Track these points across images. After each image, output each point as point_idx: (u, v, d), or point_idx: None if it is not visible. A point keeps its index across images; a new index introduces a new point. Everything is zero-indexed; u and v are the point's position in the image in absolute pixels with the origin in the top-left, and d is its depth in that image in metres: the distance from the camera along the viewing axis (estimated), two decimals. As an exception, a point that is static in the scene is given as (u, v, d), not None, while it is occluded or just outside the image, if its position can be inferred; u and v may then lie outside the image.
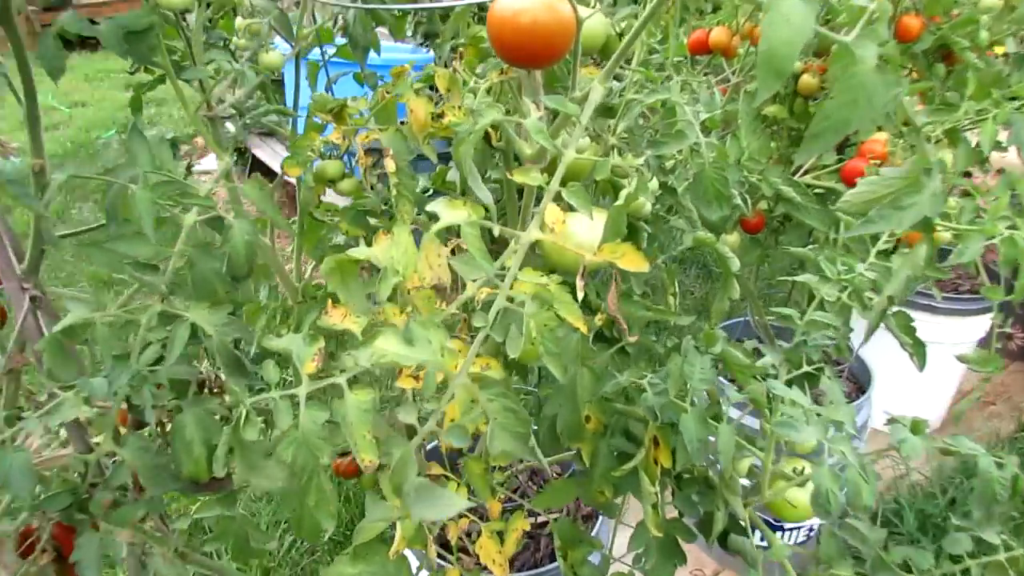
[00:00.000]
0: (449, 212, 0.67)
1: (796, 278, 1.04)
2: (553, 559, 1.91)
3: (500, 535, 1.40)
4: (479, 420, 0.68)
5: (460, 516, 1.41)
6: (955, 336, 2.78)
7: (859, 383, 2.46)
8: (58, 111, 6.69)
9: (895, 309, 1.24)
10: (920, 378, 1.57)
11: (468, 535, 1.41)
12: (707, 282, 3.99)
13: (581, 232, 0.89)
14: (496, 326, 0.66)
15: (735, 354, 1.00)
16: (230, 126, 4.45)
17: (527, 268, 0.69)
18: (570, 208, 0.73)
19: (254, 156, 4.98)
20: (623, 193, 0.81)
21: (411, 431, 0.75)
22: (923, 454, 0.98)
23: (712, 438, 0.99)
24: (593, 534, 1.83)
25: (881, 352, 2.19)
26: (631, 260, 0.66)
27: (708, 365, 0.97)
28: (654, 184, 1.13)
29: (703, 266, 4.10)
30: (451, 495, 0.73)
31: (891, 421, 0.96)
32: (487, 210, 0.69)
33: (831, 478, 0.81)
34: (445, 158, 1.17)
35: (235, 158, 4.40)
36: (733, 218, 1.11)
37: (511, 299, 0.72)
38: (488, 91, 0.86)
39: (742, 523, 1.18)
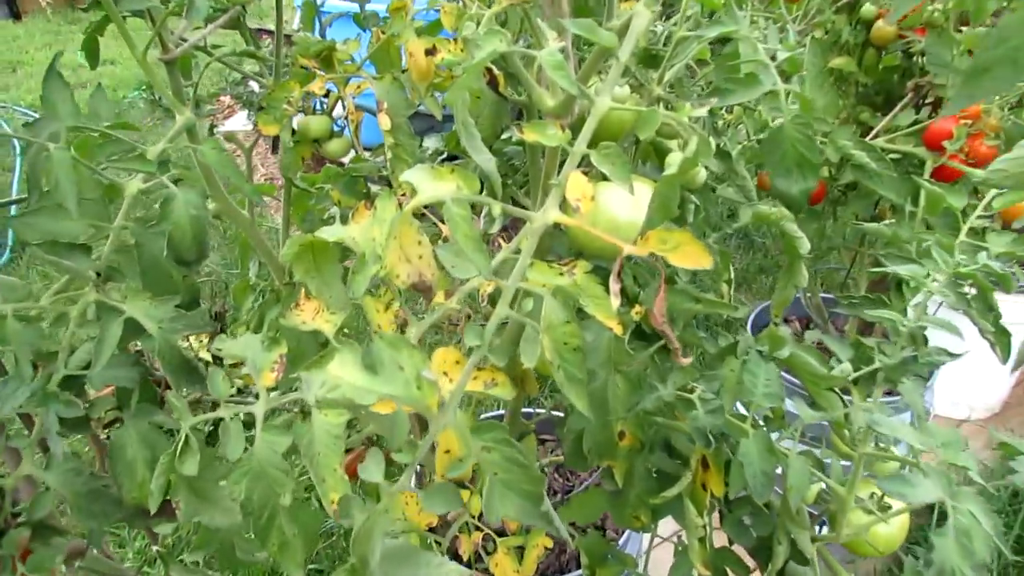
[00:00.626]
0: (431, 184, 0.47)
1: (897, 268, 0.82)
2: (580, 563, 1.74)
3: (519, 549, 1.23)
4: (468, 474, 0.49)
5: (474, 529, 1.24)
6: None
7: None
8: (86, 70, 6.55)
9: (974, 292, 1.03)
10: (981, 358, 1.35)
11: (484, 548, 1.23)
12: (748, 253, 3.74)
13: (618, 208, 0.69)
14: (495, 347, 0.47)
15: (807, 360, 0.79)
16: (253, 85, 4.27)
17: (539, 262, 0.49)
18: (603, 177, 0.53)
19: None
20: (676, 158, 0.60)
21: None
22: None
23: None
24: (622, 543, 1.64)
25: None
26: (688, 254, 0.46)
27: (775, 376, 0.77)
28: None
29: (743, 235, 3.82)
30: (440, 562, 0.54)
31: (1007, 449, 0.75)
32: (485, 181, 0.49)
33: (959, 552, 0.60)
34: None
35: (255, 120, 4.20)
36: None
37: (525, 292, 0.52)
38: (497, 20, 0.66)
39: (806, 555, 0.99)
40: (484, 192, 0.50)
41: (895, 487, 0.64)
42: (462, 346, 0.68)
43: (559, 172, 0.55)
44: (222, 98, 5.59)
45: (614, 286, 0.47)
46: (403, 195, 0.82)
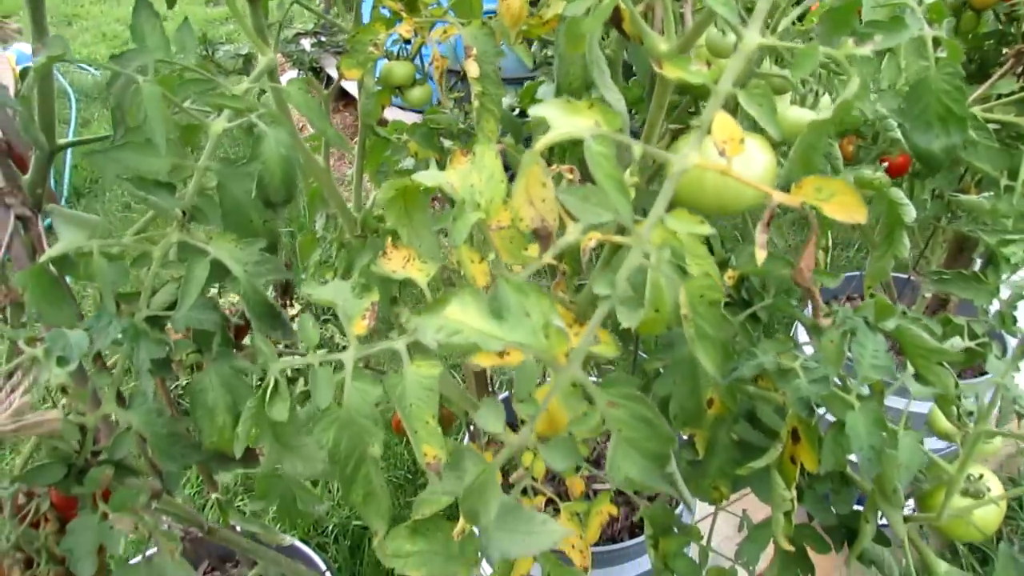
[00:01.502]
0: (567, 119, 0.43)
1: (994, 246, 0.77)
2: (633, 533, 1.71)
3: (581, 517, 1.21)
4: (596, 430, 0.46)
5: (535, 493, 1.21)
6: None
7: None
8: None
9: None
10: None
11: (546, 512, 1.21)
12: (803, 230, 3.64)
13: (736, 164, 0.65)
14: (626, 297, 0.44)
15: (918, 333, 0.75)
16: (305, 43, 4.25)
17: (678, 210, 0.45)
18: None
19: (329, 77, 4.79)
20: (795, 115, 0.56)
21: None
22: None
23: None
24: (677, 511, 1.62)
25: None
26: (843, 205, 0.42)
27: (883, 347, 0.73)
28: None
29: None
30: (542, 520, 0.52)
31: None
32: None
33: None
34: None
35: (338, 65, 4.19)
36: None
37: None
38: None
39: (889, 536, 0.95)
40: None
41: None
42: (563, 299, 0.65)
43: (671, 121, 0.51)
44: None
45: (761, 237, 0.43)
46: (499, 142, 0.78)
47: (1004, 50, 1.43)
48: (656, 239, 0.48)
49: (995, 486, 0.82)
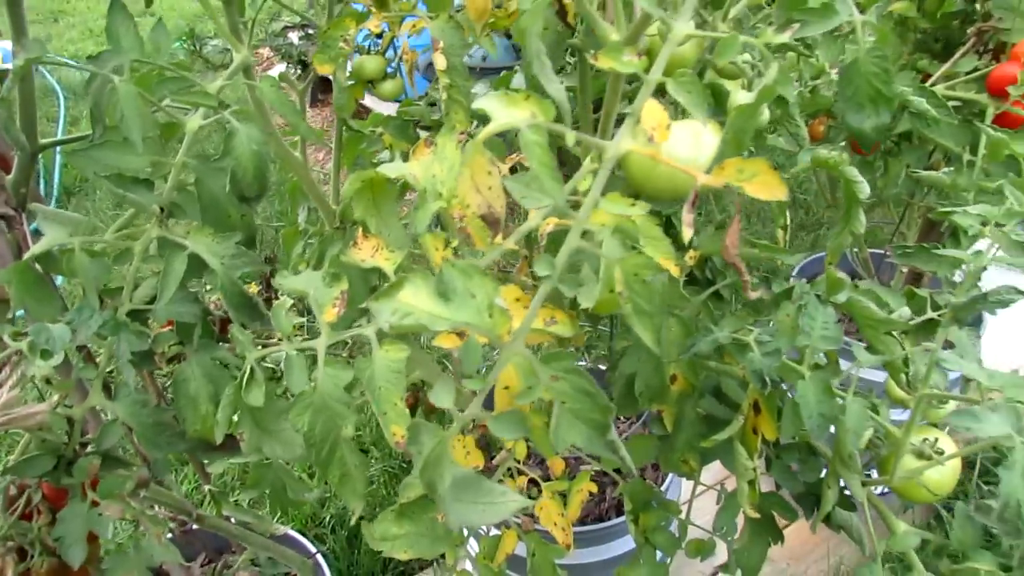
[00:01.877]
0: (505, 110, 0.47)
1: (964, 209, 0.80)
2: (620, 511, 1.75)
3: (563, 496, 1.24)
4: (543, 399, 0.49)
5: (519, 474, 1.25)
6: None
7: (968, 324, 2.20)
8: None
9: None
10: None
11: (528, 493, 1.25)
12: (790, 209, 3.68)
13: (679, 146, 0.68)
14: (567, 276, 0.47)
15: (866, 304, 0.78)
16: (292, 37, 4.25)
17: (611, 193, 0.49)
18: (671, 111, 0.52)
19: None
20: (743, 96, 0.59)
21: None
22: None
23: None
24: (664, 487, 1.66)
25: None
26: (764, 184, 0.45)
27: (832, 320, 0.76)
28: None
29: (790, 183, 3.76)
30: (502, 491, 0.55)
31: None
32: (558, 111, 0.49)
33: (1025, 488, 0.60)
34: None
35: (298, 72, 4.19)
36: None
37: (586, 234, 0.52)
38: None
39: (854, 501, 0.99)
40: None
41: (963, 421, 0.63)
42: (524, 282, 0.68)
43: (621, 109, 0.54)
44: (260, 50, 5.58)
45: (688, 216, 0.46)
46: (463, 132, 0.82)
47: (968, 29, 1.46)
48: (607, 222, 0.51)
49: (949, 448, 0.85)
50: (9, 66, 0.78)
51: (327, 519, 2.20)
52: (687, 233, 0.46)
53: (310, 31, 5.58)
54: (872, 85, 0.64)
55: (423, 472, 0.50)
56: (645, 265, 0.48)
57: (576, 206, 0.51)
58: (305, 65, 5.08)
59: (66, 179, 4.02)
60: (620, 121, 0.82)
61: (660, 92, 0.51)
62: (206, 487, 1.34)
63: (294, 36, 5.21)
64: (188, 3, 6.68)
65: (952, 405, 0.85)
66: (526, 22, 0.51)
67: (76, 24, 6.45)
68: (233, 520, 1.35)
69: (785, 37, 0.51)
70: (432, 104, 1.02)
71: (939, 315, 0.91)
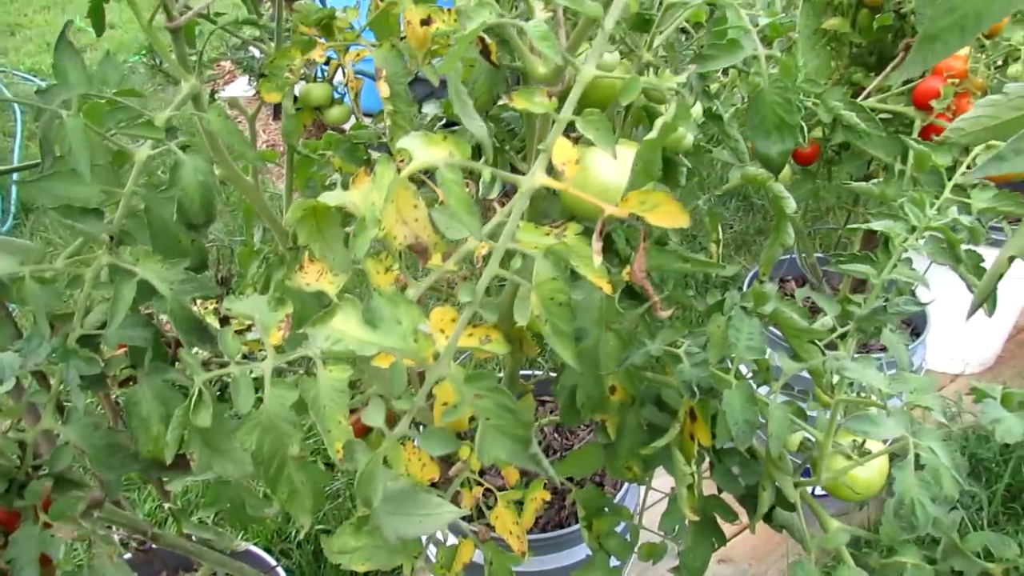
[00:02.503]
0: (425, 150, 0.50)
1: (872, 225, 0.86)
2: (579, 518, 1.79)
3: (519, 504, 1.28)
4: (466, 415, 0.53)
5: (475, 484, 1.28)
6: (1019, 271, 2.56)
7: (913, 324, 2.28)
8: (86, 33, 6.51)
9: (966, 247, 1.06)
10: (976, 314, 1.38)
11: (485, 503, 1.28)
12: (747, 215, 3.75)
13: (607, 172, 0.72)
14: (487, 303, 0.51)
15: (790, 316, 0.83)
16: (254, 50, 4.25)
17: (527, 224, 0.52)
18: (590, 143, 0.56)
19: (276, 82, 4.78)
20: (658, 123, 0.63)
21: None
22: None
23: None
24: (619, 497, 1.69)
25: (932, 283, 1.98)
26: (666, 214, 0.49)
27: (757, 330, 0.81)
28: (697, 110, 0.95)
29: (743, 197, 3.84)
30: (437, 502, 0.59)
31: (978, 393, 0.79)
32: (477, 148, 0.52)
33: (918, 486, 0.64)
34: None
35: (258, 88, 4.17)
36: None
37: (524, 257, 0.56)
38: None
39: (791, 501, 1.03)
40: (480, 159, 0.53)
41: (860, 425, 0.68)
42: (459, 307, 0.72)
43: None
44: (222, 63, 5.56)
45: (596, 244, 0.50)
46: (401, 161, 0.85)
47: (899, 42, 1.52)
48: (530, 245, 0.55)
49: (875, 449, 0.90)
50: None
51: (292, 534, 2.22)
52: (596, 260, 0.50)
53: (262, 43, 5.57)
54: (776, 114, 0.69)
55: (359, 487, 0.53)
56: (560, 289, 0.52)
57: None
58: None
59: (24, 196, 3.98)
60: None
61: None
62: (167, 505, 1.36)
63: (255, 50, 5.21)
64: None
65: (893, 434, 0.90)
66: (446, 66, 0.55)
67: (33, 37, 6.37)
68: (194, 538, 1.36)
69: (682, 78, 0.55)
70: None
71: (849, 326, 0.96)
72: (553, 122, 0.54)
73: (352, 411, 1.13)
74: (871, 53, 1.63)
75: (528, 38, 0.65)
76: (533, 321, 0.62)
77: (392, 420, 1.58)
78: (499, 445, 0.52)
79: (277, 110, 4.96)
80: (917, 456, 0.66)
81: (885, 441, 0.76)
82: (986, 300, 0.65)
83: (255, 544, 2.22)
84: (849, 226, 0.87)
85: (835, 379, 0.79)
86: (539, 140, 0.80)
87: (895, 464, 0.66)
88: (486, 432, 0.52)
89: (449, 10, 0.69)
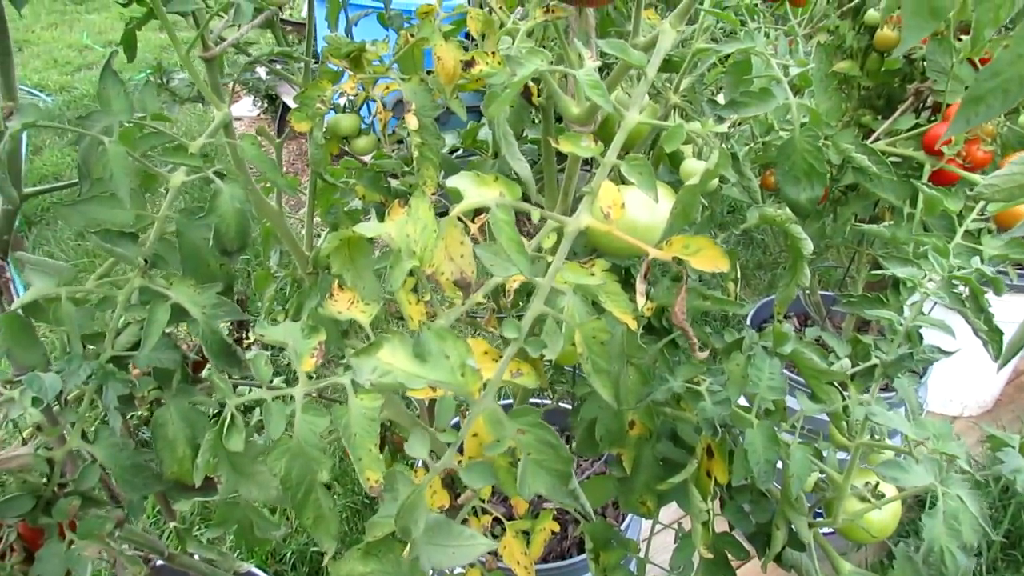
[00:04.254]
0: (476, 190, 0.52)
1: (894, 270, 0.87)
2: (582, 549, 1.78)
3: (526, 534, 1.28)
4: (508, 451, 0.54)
5: (483, 513, 1.29)
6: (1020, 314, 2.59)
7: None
8: (92, 50, 6.56)
9: (968, 293, 1.08)
10: (974, 355, 1.39)
11: (492, 532, 1.28)
12: (747, 249, 3.79)
13: (636, 211, 0.74)
14: (532, 341, 0.52)
15: (809, 356, 0.84)
16: (260, 72, 4.27)
17: (569, 263, 0.54)
18: (621, 180, 0.58)
19: (285, 105, 4.83)
20: (693, 165, 0.65)
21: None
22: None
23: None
24: (624, 526, 1.70)
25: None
26: (708, 258, 0.51)
27: (778, 370, 0.82)
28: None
29: (742, 231, 3.87)
30: (471, 535, 0.59)
31: (995, 442, 0.80)
32: (524, 187, 0.54)
33: (947, 533, 0.66)
34: (475, 111, 1.02)
35: (265, 105, 4.23)
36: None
37: (551, 290, 0.57)
38: (529, 34, 0.70)
39: (803, 541, 1.04)
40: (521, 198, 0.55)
41: (890, 472, 0.69)
42: (486, 335, 0.73)
43: (581, 173, 0.59)
44: (227, 84, 5.58)
45: (640, 286, 0.51)
46: (434, 193, 0.87)
47: (908, 86, 1.55)
48: (561, 281, 0.56)
49: (889, 492, 0.91)
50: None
51: (288, 555, 2.21)
52: (640, 300, 0.52)
53: (277, 66, 5.63)
54: (806, 161, 0.70)
55: (398, 518, 0.54)
56: (602, 328, 0.53)
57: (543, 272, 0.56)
58: (272, 99, 5.11)
59: (28, 209, 3.99)
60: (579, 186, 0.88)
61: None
62: (171, 524, 1.35)
63: (262, 71, 5.25)
64: (154, 35, 6.69)
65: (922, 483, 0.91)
66: (495, 111, 0.57)
67: (40, 54, 6.42)
68: (197, 557, 1.36)
69: (724, 127, 0.57)
70: (408, 161, 1.07)
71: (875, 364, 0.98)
72: (589, 164, 0.56)
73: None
74: (879, 96, 1.66)
75: (569, 82, 0.67)
76: (562, 356, 0.63)
77: (401, 444, 1.58)
78: (539, 480, 0.54)
79: (280, 129, 4.99)
80: (940, 500, 0.67)
81: (900, 488, 0.77)
82: (1018, 351, 0.67)
83: (250, 563, 2.21)
84: (872, 272, 0.88)
85: (857, 422, 0.80)
86: (568, 177, 0.82)
87: (926, 513, 0.67)
88: (528, 467, 0.54)
89: (493, 53, 0.72)
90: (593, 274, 0.53)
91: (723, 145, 1.00)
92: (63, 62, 6.20)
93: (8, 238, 0.92)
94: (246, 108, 5.20)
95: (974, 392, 2.59)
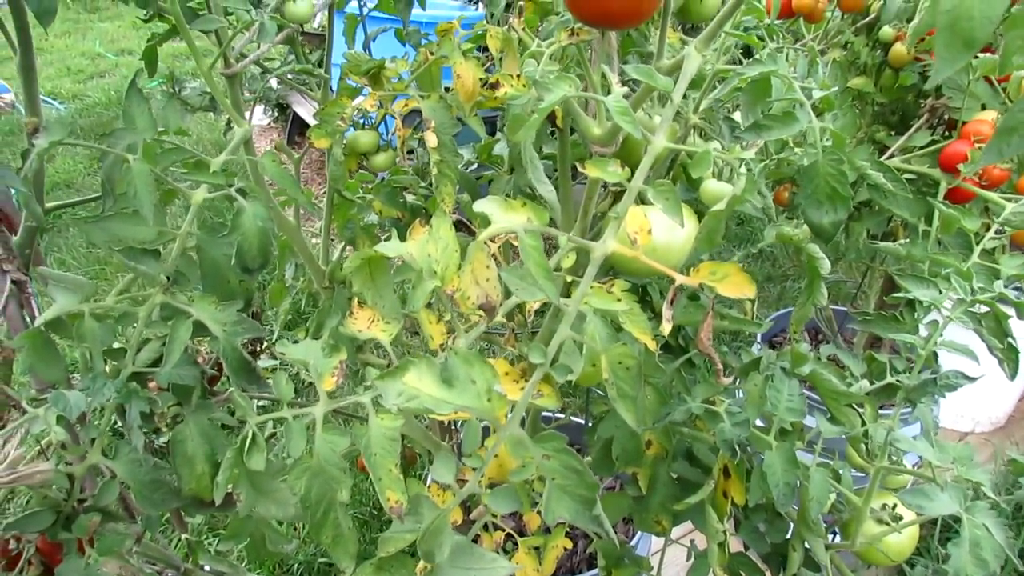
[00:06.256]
0: (504, 215, 0.52)
1: (912, 291, 0.87)
2: (592, 564, 1.78)
3: (538, 550, 1.28)
4: (533, 477, 0.54)
5: (495, 529, 1.28)
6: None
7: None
8: (104, 59, 6.60)
9: (985, 310, 1.08)
10: (988, 373, 1.39)
11: (504, 548, 1.28)
12: (756, 262, 3.78)
13: (655, 231, 0.74)
14: (558, 366, 0.52)
15: (828, 378, 0.84)
16: (273, 83, 4.32)
17: (596, 288, 0.54)
18: (641, 201, 0.58)
19: (295, 114, 4.86)
20: (715, 187, 0.65)
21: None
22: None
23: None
24: (634, 542, 1.69)
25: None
26: (734, 284, 0.51)
27: (797, 391, 0.82)
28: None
29: (751, 241, 3.87)
30: (493, 558, 0.59)
31: (1017, 467, 0.80)
32: (550, 211, 0.54)
33: (973, 562, 0.65)
34: (489, 124, 1.02)
35: (275, 115, 4.24)
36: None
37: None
38: (552, 57, 0.70)
39: (819, 563, 1.04)
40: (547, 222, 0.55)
41: (916, 500, 0.69)
42: (502, 355, 0.73)
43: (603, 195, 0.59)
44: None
45: (667, 312, 0.52)
46: (453, 212, 0.87)
47: (923, 103, 1.55)
48: (585, 306, 0.56)
49: (906, 515, 0.91)
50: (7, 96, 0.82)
51: (295, 566, 2.21)
52: (666, 328, 0.52)
53: (289, 75, 5.66)
54: (829, 184, 0.71)
55: (422, 542, 0.54)
56: (628, 355, 0.53)
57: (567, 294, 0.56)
58: (282, 108, 5.14)
59: (86, 235, 4.00)
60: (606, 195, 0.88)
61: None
62: (183, 536, 1.35)
63: (273, 80, 5.28)
64: (166, 44, 6.73)
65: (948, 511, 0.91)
66: (522, 136, 0.57)
67: (53, 62, 6.47)
68: (208, 569, 1.36)
69: (751, 153, 0.57)
70: (423, 176, 1.08)
71: (896, 380, 0.97)
72: (614, 189, 0.56)
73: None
74: (894, 112, 1.66)
75: (590, 105, 0.67)
76: (583, 377, 0.63)
77: (413, 458, 1.57)
78: (563, 505, 0.54)
79: (290, 138, 5.01)
80: (965, 529, 0.66)
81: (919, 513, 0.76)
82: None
83: (259, 574, 2.21)
84: (894, 296, 0.88)
85: (874, 445, 0.80)
86: (586, 197, 0.82)
87: (953, 542, 0.67)
88: (552, 492, 0.54)
89: (518, 76, 0.72)
90: (619, 300, 0.53)
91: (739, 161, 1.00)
92: (76, 70, 6.25)
93: (31, 252, 0.93)
94: (257, 117, 5.23)
95: (986, 409, 2.58)
